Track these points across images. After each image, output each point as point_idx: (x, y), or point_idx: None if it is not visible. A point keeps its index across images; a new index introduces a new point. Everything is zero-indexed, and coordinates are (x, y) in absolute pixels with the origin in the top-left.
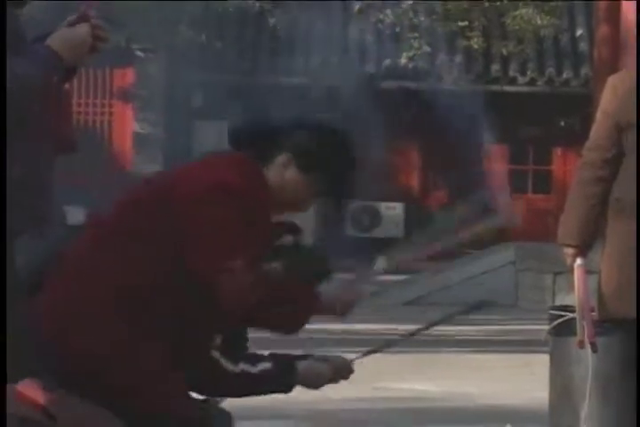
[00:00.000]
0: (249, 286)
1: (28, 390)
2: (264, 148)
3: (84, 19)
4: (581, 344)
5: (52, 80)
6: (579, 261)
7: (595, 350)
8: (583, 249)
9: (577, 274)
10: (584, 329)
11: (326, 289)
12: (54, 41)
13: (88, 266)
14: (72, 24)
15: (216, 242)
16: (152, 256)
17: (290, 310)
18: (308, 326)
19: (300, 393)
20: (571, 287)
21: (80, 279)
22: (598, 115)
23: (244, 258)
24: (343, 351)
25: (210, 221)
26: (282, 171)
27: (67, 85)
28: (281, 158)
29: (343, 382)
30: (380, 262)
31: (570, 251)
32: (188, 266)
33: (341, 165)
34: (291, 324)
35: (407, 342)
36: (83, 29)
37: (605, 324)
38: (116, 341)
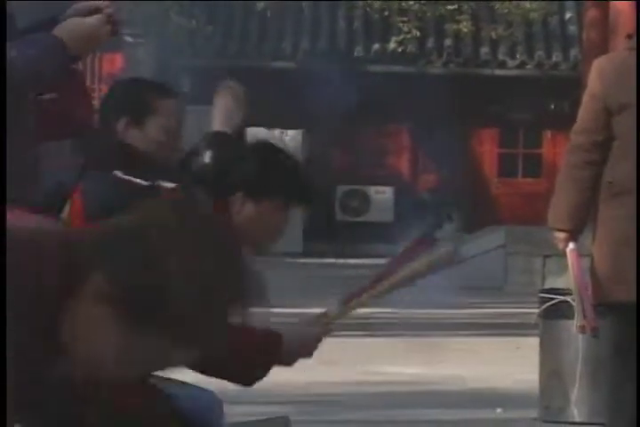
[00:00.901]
0: None
1: None
2: (218, 190)
3: (96, 11)
4: (583, 329)
5: (54, 68)
6: (571, 245)
7: (596, 334)
8: (574, 233)
9: (570, 258)
10: (583, 313)
11: (289, 337)
12: (61, 31)
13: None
14: (83, 14)
15: None
16: None
17: (246, 365)
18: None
19: (291, 376)
20: (562, 270)
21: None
22: (585, 97)
23: None
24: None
25: None
26: (240, 209)
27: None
28: (235, 198)
29: (334, 366)
30: None
31: (561, 235)
32: None
33: (292, 183)
34: (245, 379)
35: (399, 326)
36: (92, 21)
37: (598, 307)
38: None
